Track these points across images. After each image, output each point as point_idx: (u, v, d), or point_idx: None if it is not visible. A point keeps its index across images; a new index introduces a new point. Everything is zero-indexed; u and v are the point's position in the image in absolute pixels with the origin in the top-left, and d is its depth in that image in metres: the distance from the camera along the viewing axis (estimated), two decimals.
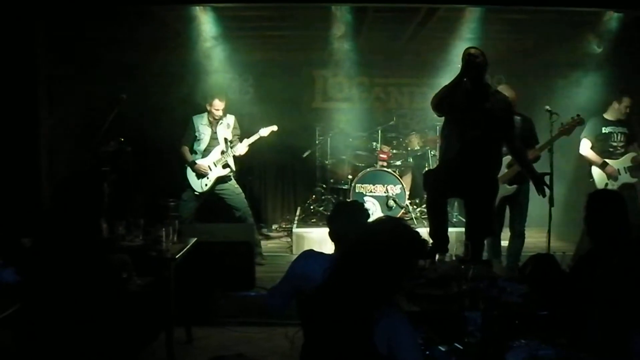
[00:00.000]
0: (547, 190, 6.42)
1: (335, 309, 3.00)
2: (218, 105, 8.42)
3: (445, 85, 5.98)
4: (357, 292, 2.96)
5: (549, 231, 7.35)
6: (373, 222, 3.39)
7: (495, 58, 6.72)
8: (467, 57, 5.80)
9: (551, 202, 7.08)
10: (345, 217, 4.16)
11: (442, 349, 3.56)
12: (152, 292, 5.05)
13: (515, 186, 7.27)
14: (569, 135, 7.34)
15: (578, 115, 7.35)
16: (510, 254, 7.53)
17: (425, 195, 7.15)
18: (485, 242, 6.63)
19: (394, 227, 3.10)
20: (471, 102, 5.94)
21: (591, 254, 4.23)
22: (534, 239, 8.57)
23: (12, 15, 6.74)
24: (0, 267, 4.48)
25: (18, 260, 4.46)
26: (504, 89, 6.84)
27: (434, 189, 6.30)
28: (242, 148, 8.53)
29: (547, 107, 7.35)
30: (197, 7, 8.53)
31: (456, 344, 3.59)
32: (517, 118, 6.89)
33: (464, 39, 8.81)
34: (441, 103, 6.03)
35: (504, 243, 7.65)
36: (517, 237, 7.51)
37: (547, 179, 6.43)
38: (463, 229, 6.72)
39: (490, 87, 6.19)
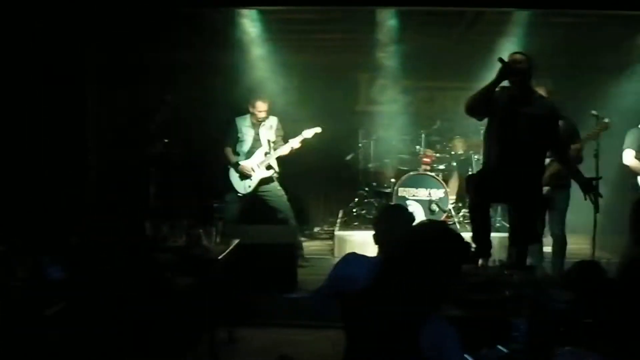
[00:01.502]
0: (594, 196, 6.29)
1: (380, 313, 2.99)
2: (261, 107, 8.45)
3: (479, 90, 5.94)
4: (402, 297, 2.94)
5: (593, 238, 7.25)
6: (417, 225, 3.38)
7: (542, 61, 6.65)
8: (505, 63, 5.75)
9: (596, 208, 6.97)
10: (390, 221, 4.15)
11: (487, 354, 3.53)
12: (196, 293, 5.08)
13: (548, 188, 7.14)
14: (596, 140, 7.23)
15: (603, 119, 7.24)
16: (553, 259, 7.44)
17: (468, 200, 7.09)
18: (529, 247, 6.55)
19: (439, 231, 3.08)
20: (514, 107, 5.89)
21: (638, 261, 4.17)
22: (578, 245, 8.46)
23: (63, 18, 6.83)
24: (48, 264, 4.54)
25: (65, 257, 4.52)
26: (541, 91, 6.75)
27: (477, 194, 6.24)
28: (286, 149, 8.54)
29: (594, 111, 7.26)
30: (243, 9, 8.57)
31: (500, 347, 3.56)
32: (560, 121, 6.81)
33: (511, 43, 8.73)
34: (473, 108, 5.99)
35: (547, 249, 7.55)
36: (556, 242, 7.40)
37: (595, 184, 6.31)
38: (506, 234, 6.65)
39: (535, 92, 6.13)
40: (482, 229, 6.16)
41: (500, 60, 5.73)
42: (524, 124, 5.82)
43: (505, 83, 5.81)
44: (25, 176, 6.74)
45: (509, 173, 5.89)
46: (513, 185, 5.94)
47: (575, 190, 6.42)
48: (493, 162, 6.10)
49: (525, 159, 5.90)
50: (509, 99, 5.88)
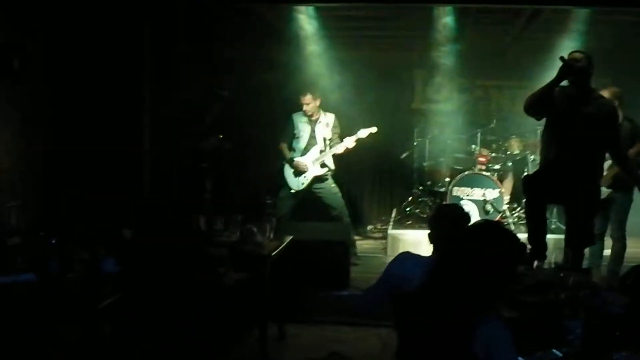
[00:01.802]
0: None
1: (433, 312, 2.97)
2: (307, 100, 8.41)
3: (540, 88, 5.86)
4: (457, 297, 2.92)
5: None
6: (473, 226, 3.34)
7: (601, 60, 6.53)
8: (566, 61, 5.66)
9: None
10: (445, 220, 4.13)
11: (542, 357, 3.49)
12: (248, 288, 5.11)
13: (610, 190, 7.03)
14: None
15: None
16: (611, 262, 7.31)
17: (524, 201, 7.00)
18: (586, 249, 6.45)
19: (494, 231, 3.04)
20: (572, 107, 5.79)
21: None
22: (638, 249, 8.31)
23: (121, 16, 6.92)
24: (102, 257, 4.60)
25: (119, 251, 4.58)
26: (606, 93, 6.63)
27: (533, 195, 6.16)
28: (340, 148, 8.52)
29: None
30: (299, 6, 8.60)
31: (554, 350, 3.51)
32: (623, 122, 6.69)
33: (569, 41, 8.61)
34: (533, 107, 5.92)
35: (607, 251, 7.41)
36: (615, 245, 7.26)
37: None
38: (562, 236, 6.54)
39: (594, 92, 6.02)
40: (537, 230, 6.08)
41: (562, 58, 5.64)
42: (582, 124, 5.72)
43: (564, 82, 5.73)
44: (81, 169, 6.84)
45: (565, 174, 5.81)
46: (569, 187, 5.85)
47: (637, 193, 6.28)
48: (550, 162, 6.02)
49: (582, 160, 5.80)
50: (567, 98, 5.79)
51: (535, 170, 7.54)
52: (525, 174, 9.27)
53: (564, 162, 5.82)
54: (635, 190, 6.56)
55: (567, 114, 5.78)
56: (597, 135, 5.77)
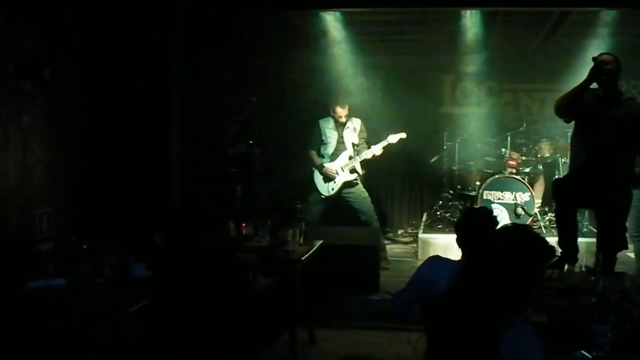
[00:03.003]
0: None
1: (462, 316, 2.98)
2: (340, 112, 8.50)
3: (570, 90, 5.84)
4: (484, 300, 2.92)
5: None
6: (500, 229, 3.34)
7: (631, 63, 6.50)
8: (597, 63, 5.63)
9: None
10: (473, 224, 4.12)
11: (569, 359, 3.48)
12: (278, 293, 5.13)
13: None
14: None
15: None
16: (637, 263, 7.21)
17: (554, 204, 6.96)
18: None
19: (522, 235, 3.04)
20: (601, 109, 5.76)
21: None
22: None
23: (150, 23, 6.99)
24: (132, 262, 4.65)
25: (149, 256, 4.63)
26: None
27: (563, 198, 6.13)
28: (369, 154, 8.54)
29: None
30: (326, 12, 8.62)
31: (584, 352, 3.50)
32: None
33: (598, 43, 8.55)
34: (563, 109, 5.90)
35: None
36: (636, 244, 7.15)
37: None
38: (594, 240, 6.50)
39: (623, 94, 5.98)
40: (568, 234, 6.05)
41: (594, 59, 5.63)
42: (611, 127, 5.69)
43: (593, 85, 5.70)
44: (112, 176, 6.92)
45: (595, 178, 5.77)
46: (600, 190, 5.81)
47: None
48: (580, 166, 5.99)
49: (610, 163, 5.77)
50: (596, 101, 5.77)
51: (565, 173, 7.49)
52: (556, 177, 9.23)
53: (593, 166, 5.80)
54: None
55: (596, 117, 5.75)
56: (627, 139, 5.73)
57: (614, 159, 5.77)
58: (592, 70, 5.64)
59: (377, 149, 8.57)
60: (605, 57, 5.73)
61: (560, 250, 5.87)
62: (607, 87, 5.74)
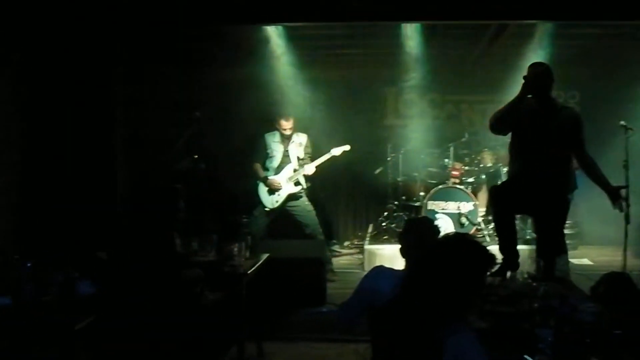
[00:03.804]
0: (624, 205, 6.19)
1: (404, 325, 3.01)
2: (285, 125, 8.56)
3: (504, 107, 5.92)
4: (426, 308, 2.96)
5: (624, 249, 7.19)
6: (442, 238, 3.39)
7: (568, 73, 6.64)
8: (527, 78, 5.72)
9: (627, 219, 6.92)
10: (415, 234, 4.17)
11: None
12: (224, 307, 5.12)
13: None
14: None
15: (631, 129, 7.21)
16: None
17: (492, 211, 7.05)
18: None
19: (462, 243, 3.09)
20: (536, 120, 5.85)
21: None
22: (609, 257, 8.42)
23: (95, 37, 6.96)
24: (77, 279, 4.61)
25: (94, 272, 4.59)
26: None
27: (500, 205, 6.20)
28: (310, 168, 8.60)
29: (622, 122, 7.23)
30: (268, 27, 8.65)
31: (527, 357, 3.56)
32: None
33: (536, 55, 8.72)
34: (498, 125, 5.99)
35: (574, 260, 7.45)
36: None
37: (623, 192, 6.19)
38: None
39: (557, 104, 6.09)
40: (508, 240, 6.11)
41: (524, 77, 5.70)
42: (547, 136, 5.79)
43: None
44: (55, 192, 6.85)
45: (532, 185, 5.87)
46: (537, 197, 5.91)
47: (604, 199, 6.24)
48: (517, 173, 6.09)
49: (548, 170, 5.87)
50: (530, 112, 5.85)
51: (503, 181, 7.60)
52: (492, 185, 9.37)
53: (528, 174, 5.89)
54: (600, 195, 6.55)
55: (531, 128, 5.84)
56: (562, 145, 5.82)
57: (550, 168, 5.86)
58: (523, 86, 5.71)
59: (320, 162, 8.63)
60: (536, 68, 5.83)
61: (501, 257, 5.94)
62: (541, 98, 5.83)
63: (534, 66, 5.87)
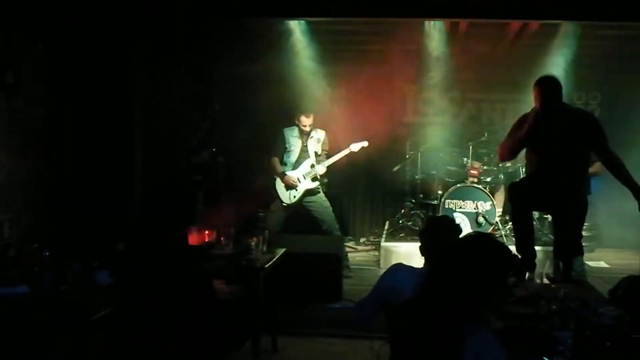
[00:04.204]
0: None
1: (424, 324, 2.99)
2: (305, 122, 8.52)
3: (515, 139, 5.95)
4: (446, 308, 2.94)
5: None
6: (464, 237, 3.36)
7: (589, 74, 6.58)
8: (538, 91, 5.77)
9: None
10: (436, 232, 4.15)
11: None
12: (241, 301, 5.11)
13: None
14: None
15: None
16: None
17: (510, 208, 7.01)
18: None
19: (484, 243, 3.07)
20: (548, 126, 5.84)
21: None
22: (626, 260, 8.36)
23: (113, 31, 6.97)
24: (95, 269, 4.62)
25: (112, 263, 4.59)
26: None
27: (518, 201, 6.18)
28: (321, 169, 8.58)
29: None
30: (291, 20, 8.64)
31: (545, 358, 3.53)
32: None
33: (557, 55, 8.67)
34: (510, 156, 6.09)
35: (591, 263, 7.40)
36: None
37: None
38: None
39: (569, 110, 6.05)
40: (524, 237, 6.09)
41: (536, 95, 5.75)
42: (560, 140, 5.78)
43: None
44: (75, 182, 6.86)
45: (549, 184, 5.84)
46: (555, 197, 5.88)
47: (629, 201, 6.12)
48: (534, 170, 6.06)
49: (563, 172, 5.84)
50: (541, 119, 5.84)
51: (521, 177, 7.56)
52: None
53: (544, 174, 5.87)
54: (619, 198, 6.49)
55: (544, 134, 5.83)
56: (578, 148, 5.81)
57: (567, 170, 5.84)
58: (534, 117, 5.78)
59: (337, 158, 8.62)
60: (543, 88, 5.86)
61: (519, 257, 5.90)
62: (546, 104, 5.85)
63: (543, 84, 5.88)
